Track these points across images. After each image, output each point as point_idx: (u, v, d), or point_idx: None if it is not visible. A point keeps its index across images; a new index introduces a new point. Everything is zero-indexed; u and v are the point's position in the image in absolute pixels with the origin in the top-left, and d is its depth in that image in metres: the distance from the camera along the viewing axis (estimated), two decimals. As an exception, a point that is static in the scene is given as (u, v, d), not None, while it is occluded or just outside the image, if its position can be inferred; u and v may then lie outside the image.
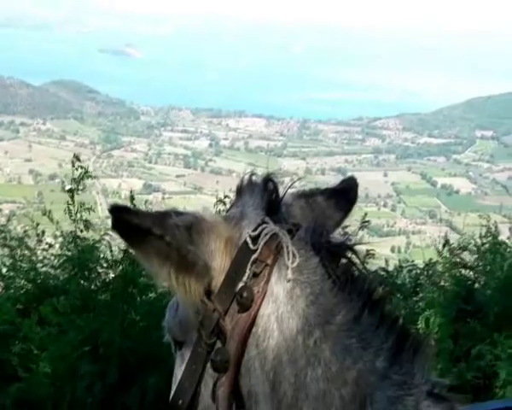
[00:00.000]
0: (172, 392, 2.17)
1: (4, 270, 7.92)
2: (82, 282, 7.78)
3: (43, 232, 8.08)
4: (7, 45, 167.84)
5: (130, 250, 1.78)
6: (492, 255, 9.00)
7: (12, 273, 7.86)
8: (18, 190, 60.42)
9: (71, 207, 7.76)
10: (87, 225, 7.85)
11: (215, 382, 1.99)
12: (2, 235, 8.14)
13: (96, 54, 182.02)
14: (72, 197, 7.79)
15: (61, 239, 8.15)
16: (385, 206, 71.70)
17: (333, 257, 1.96)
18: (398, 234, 60.35)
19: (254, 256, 1.94)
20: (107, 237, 7.99)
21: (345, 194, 2.38)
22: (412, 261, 10.16)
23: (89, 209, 7.92)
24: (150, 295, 7.80)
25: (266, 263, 1.94)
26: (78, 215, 7.78)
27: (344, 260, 1.98)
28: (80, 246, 7.79)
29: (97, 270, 7.95)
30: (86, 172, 7.93)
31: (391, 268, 9.70)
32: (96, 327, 7.03)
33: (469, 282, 8.98)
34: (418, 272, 9.58)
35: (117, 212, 1.89)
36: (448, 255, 9.05)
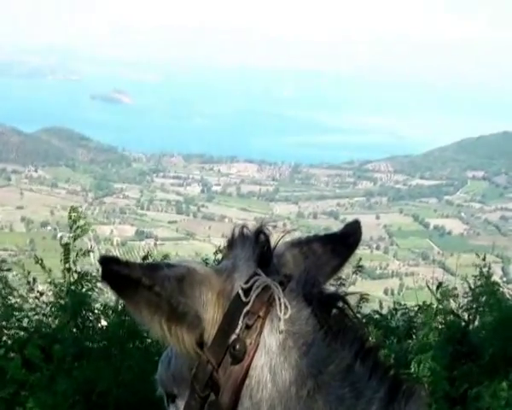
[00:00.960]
0: None
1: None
2: (75, 330, 7.75)
3: (35, 280, 8.02)
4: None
5: (124, 302, 1.75)
6: (485, 297, 8.99)
7: (4, 322, 7.80)
8: (10, 238, 60.38)
9: (66, 261, 7.76)
10: (81, 276, 7.84)
11: None
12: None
13: (86, 100, 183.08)
14: (67, 251, 7.79)
15: (52, 287, 8.10)
16: (377, 248, 71.82)
17: (325, 307, 1.94)
18: (391, 276, 60.44)
19: (247, 308, 1.93)
20: (99, 284, 7.98)
21: (344, 239, 2.35)
22: (404, 305, 10.14)
23: (84, 253, 7.91)
24: (146, 341, 7.80)
25: (258, 315, 1.93)
26: (73, 267, 7.77)
27: (336, 311, 1.96)
28: (73, 293, 7.76)
29: (90, 318, 7.92)
30: (85, 224, 7.92)
31: (385, 311, 9.66)
32: (90, 375, 6.98)
33: (463, 324, 8.96)
34: (412, 314, 9.55)
35: (106, 263, 1.87)
36: (441, 298, 9.04)
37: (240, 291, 1.96)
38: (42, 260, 8.03)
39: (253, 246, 2.06)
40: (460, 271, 10.42)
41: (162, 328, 1.93)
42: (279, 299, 1.92)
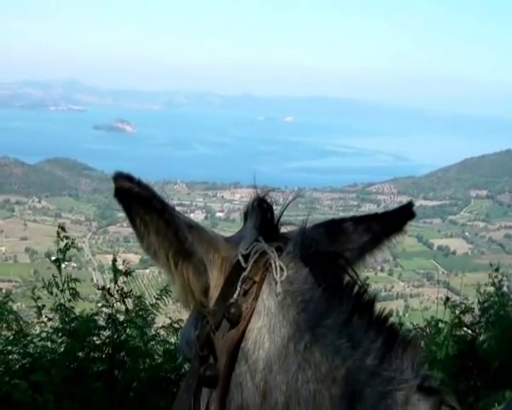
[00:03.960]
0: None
1: (3, 344, 7.85)
2: (79, 354, 7.76)
3: (43, 306, 8.02)
4: (1, 125, 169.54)
5: (131, 226, 1.73)
6: (495, 307, 9.01)
7: (10, 347, 7.80)
8: (14, 269, 60.36)
9: (57, 279, 7.80)
10: (74, 294, 7.87)
11: (208, 397, 2.01)
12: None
13: (89, 131, 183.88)
14: (58, 267, 7.82)
15: (59, 313, 8.11)
16: (382, 270, 71.64)
17: (323, 266, 1.97)
18: (395, 298, 60.16)
19: (244, 274, 1.98)
20: (104, 309, 8.02)
21: (383, 217, 2.37)
22: (411, 323, 10.12)
23: (75, 280, 7.96)
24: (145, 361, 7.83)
25: (254, 280, 1.97)
26: (65, 285, 7.79)
27: (334, 268, 1.99)
28: (74, 317, 7.80)
29: (93, 341, 7.94)
30: (72, 242, 7.95)
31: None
32: (89, 395, 7.01)
33: (469, 338, 8.94)
34: (419, 331, 9.53)
35: (119, 179, 1.85)
36: (449, 315, 9.03)
37: (240, 257, 2.01)
38: (50, 284, 8.00)
39: (256, 215, 2.11)
40: (465, 290, 10.41)
41: (169, 261, 1.97)
42: (274, 263, 1.96)
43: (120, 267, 8.13)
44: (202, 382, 2.01)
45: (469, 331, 9.06)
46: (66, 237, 7.94)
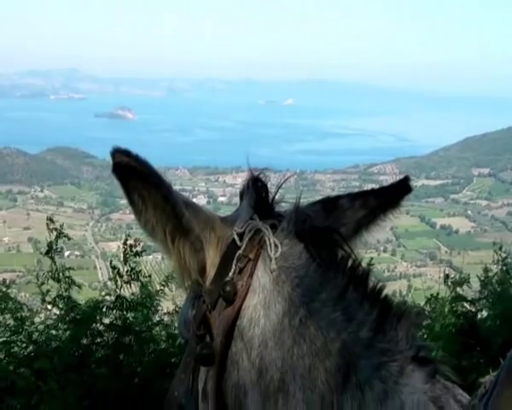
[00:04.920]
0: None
1: (7, 333, 7.86)
2: (83, 341, 7.78)
3: (48, 291, 8.02)
4: (1, 116, 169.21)
5: (129, 203, 1.72)
6: (496, 284, 9.02)
7: (14, 337, 7.82)
8: (17, 259, 60.28)
9: (53, 268, 7.82)
10: (70, 283, 7.88)
11: (206, 376, 2.03)
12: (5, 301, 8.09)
13: (90, 119, 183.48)
14: (52, 259, 7.84)
15: (62, 302, 8.12)
16: (385, 251, 71.43)
17: (317, 241, 1.99)
18: (399, 278, 60.06)
19: (239, 252, 2.00)
20: (108, 298, 8.03)
21: (380, 192, 2.40)
22: (413, 302, 10.12)
23: (69, 269, 7.97)
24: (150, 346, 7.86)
25: (249, 258, 2.00)
26: (61, 275, 7.80)
27: (328, 243, 2.01)
28: (74, 305, 7.82)
29: (97, 328, 7.96)
30: (61, 232, 7.94)
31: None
32: (93, 382, 7.04)
33: (471, 315, 8.95)
34: (421, 310, 9.52)
35: (117, 154, 1.88)
36: (449, 290, 9.03)
37: (235, 236, 2.03)
38: (57, 270, 7.98)
39: (251, 194, 2.14)
40: (468, 268, 10.41)
41: (166, 237, 1.98)
42: (269, 240, 1.98)
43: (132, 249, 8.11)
44: (199, 361, 2.03)
45: (468, 306, 9.07)
46: (55, 229, 7.93)
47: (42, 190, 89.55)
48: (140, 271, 8.15)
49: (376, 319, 1.82)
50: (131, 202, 1.92)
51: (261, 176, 2.18)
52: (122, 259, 8.10)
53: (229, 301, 1.97)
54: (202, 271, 2.06)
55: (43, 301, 7.97)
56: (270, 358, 1.90)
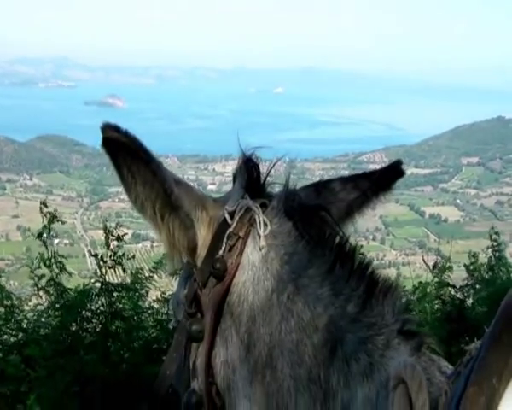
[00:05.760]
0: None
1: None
2: (71, 327, 7.78)
3: (42, 276, 8.00)
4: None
5: (119, 178, 1.73)
6: (488, 271, 9.08)
7: (3, 325, 7.80)
8: (6, 247, 60.16)
9: (45, 254, 7.80)
10: (62, 268, 7.87)
11: (196, 353, 2.06)
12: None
13: (79, 107, 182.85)
14: (44, 243, 7.83)
15: (53, 287, 8.10)
16: (374, 239, 71.60)
17: (306, 218, 2.02)
18: (388, 266, 60.16)
19: (230, 230, 2.03)
20: (98, 284, 8.03)
21: (371, 174, 2.42)
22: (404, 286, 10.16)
23: (61, 256, 7.96)
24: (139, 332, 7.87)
25: (239, 236, 2.03)
26: (53, 260, 7.79)
27: (317, 220, 2.03)
28: (64, 290, 7.82)
29: (86, 313, 7.95)
30: (54, 216, 7.93)
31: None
32: (82, 368, 7.05)
33: (458, 301, 9.00)
34: (408, 296, 9.56)
35: (106, 129, 1.88)
36: (438, 273, 9.09)
37: (226, 215, 2.06)
38: (49, 258, 7.95)
39: (243, 174, 2.16)
40: (456, 257, 10.46)
41: (156, 213, 2.00)
42: (258, 218, 2.02)
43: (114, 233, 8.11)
44: (190, 338, 2.05)
45: (453, 292, 9.12)
46: (49, 213, 7.92)
47: (31, 178, 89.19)
48: (123, 254, 8.13)
49: (363, 293, 1.84)
50: (121, 178, 1.94)
51: (253, 157, 2.20)
52: (104, 244, 8.10)
53: (219, 278, 2.00)
54: (193, 250, 2.09)
55: (36, 285, 7.96)
56: (258, 334, 1.92)
